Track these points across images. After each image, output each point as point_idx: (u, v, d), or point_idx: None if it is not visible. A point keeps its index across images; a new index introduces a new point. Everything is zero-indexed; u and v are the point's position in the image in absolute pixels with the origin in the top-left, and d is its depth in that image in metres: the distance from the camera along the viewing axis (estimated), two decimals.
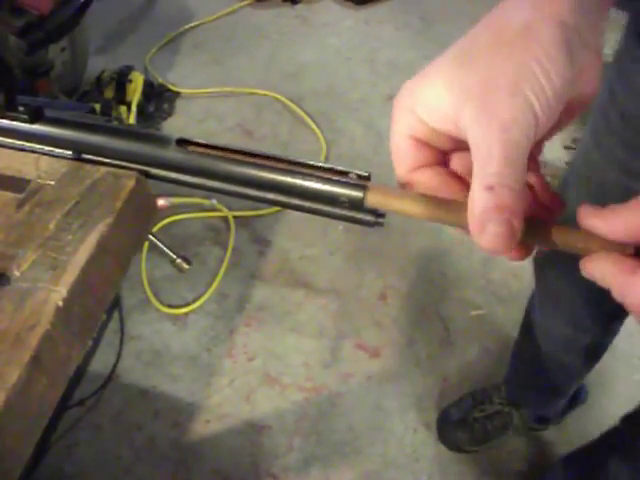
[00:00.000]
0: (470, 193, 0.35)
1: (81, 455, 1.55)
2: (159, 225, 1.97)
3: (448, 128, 0.39)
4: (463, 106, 0.37)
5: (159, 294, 1.84)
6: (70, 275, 0.40)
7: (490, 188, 0.34)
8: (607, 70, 0.84)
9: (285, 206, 0.44)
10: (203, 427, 1.61)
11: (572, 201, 0.99)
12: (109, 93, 2.32)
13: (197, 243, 1.97)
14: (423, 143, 0.41)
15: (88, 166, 0.47)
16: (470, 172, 0.40)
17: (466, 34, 0.40)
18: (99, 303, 0.43)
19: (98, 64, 2.45)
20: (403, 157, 0.42)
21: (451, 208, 0.39)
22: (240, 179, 0.44)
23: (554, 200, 0.40)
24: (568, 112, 0.39)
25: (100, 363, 1.68)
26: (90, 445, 1.57)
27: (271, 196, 0.44)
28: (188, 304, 1.82)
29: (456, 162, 0.43)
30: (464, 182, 0.42)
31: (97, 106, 2.18)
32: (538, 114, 0.35)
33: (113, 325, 1.75)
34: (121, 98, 2.31)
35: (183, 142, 0.45)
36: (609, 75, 0.84)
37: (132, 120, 2.23)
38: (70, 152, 0.48)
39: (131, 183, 0.45)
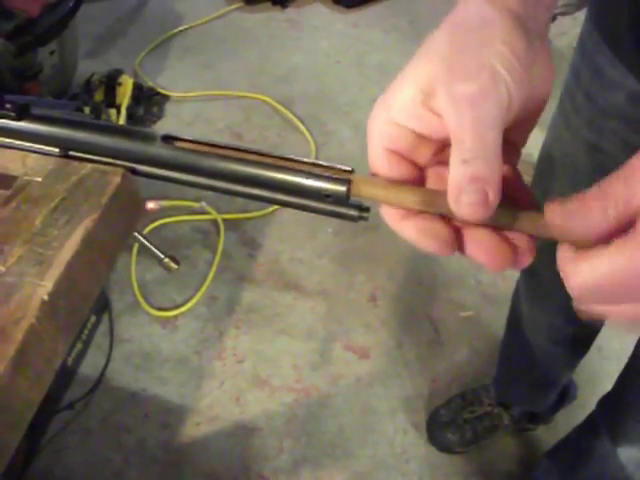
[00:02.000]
0: (449, 170, 0.36)
1: (70, 459, 1.55)
2: (149, 228, 1.96)
3: (429, 124, 0.39)
4: (437, 94, 0.37)
5: (149, 297, 1.84)
6: (56, 270, 0.40)
7: (464, 161, 0.35)
8: (573, 53, 0.87)
9: (270, 201, 0.45)
10: (193, 429, 1.60)
11: (548, 184, 1.01)
12: (99, 96, 2.32)
13: (186, 246, 1.97)
14: (401, 157, 0.41)
15: (75, 163, 0.47)
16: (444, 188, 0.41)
17: (425, 40, 0.41)
18: (85, 298, 0.43)
19: (87, 67, 2.45)
20: (381, 174, 0.42)
21: (435, 195, 0.40)
22: (225, 175, 0.44)
23: (528, 197, 0.40)
24: (530, 111, 0.40)
25: (90, 366, 1.68)
26: (80, 448, 1.57)
27: (255, 191, 0.44)
28: (178, 307, 1.82)
29: (432, 179, 0.43)
30: None
31: (86, 109, 2.18)
32: (509, 84, 0.36)
33: (103, 328, 1.75)
34: (110, 101, 2.31)
35: (168, 138, 0.45)
36: (574, 57, 0.87)
37: (122, 123, 2.23)
38: (57, 149, 0.48)
39: (117, 179, 0.46)
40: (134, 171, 0.47)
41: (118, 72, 2.37)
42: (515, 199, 0.40)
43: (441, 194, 0.39)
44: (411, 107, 0.39)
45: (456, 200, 0.35)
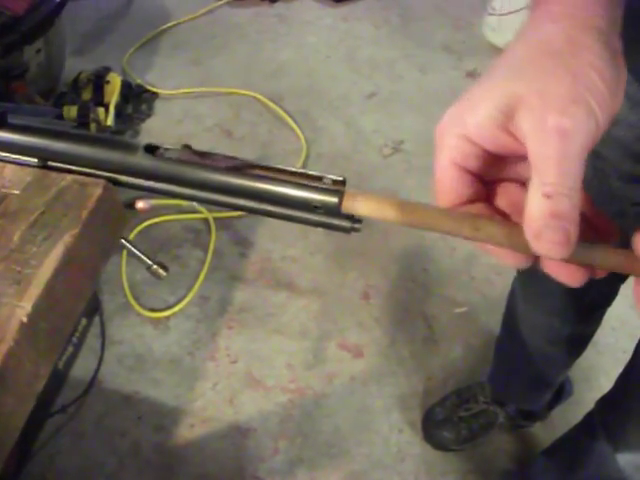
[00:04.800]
0: (527, 200, 0.35)
1: (64, 463, 1.53)
2: (139, 227, 1.95)
3: (504, 145, 0.38)
4: (521, 117, 0.36)
5: (140, 298, 1.82)
6: (35, 289, 0.39)
7: (548, 196, 0.34)
8: None
9: (258, 213, 0.43)
10: (187, 431, 1.59)
11: None
12: (86, 95, 2.29)
13: (177, 245, 1.95)
14: (470, 174, 0.41)
15: (54, 174, 0.45)
16: (515, 208, 0.40)
17: (504, 54, 0.40)
18: (66, 317, 0.41)
19: (75, 65, 2.43)
20: (448, 189, 0.41)
21: (428, 214, 0.39)
22: (210, 185, 0.43)
23: (606, 224, 0.40)
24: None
25: (82, 369, 1.66)
26: (73, 452, 1.55)
27: (242, 202, 0.42)
28: (169, 307, 1.80)
29: (501, 197, 0.42)
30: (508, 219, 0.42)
31: (74, 108, 2.16)
32: (599, 120, 0.35)
33: (94, 330, 1.73)
34: (99, 100, 2.28)
35: (151, 148, 0.44)
36: None
37: (110, 122, 2.20)
38: (35, 160, 0.46)
39: (98, 191, 0.44)
40: (116, 182, 0.45)
41: (106, 70, 2.35)
42: (593, 226, 0.40)
43: (435, 213, 0.38)
44: (488, 127, 0.38)
45: (536, 237, 0.35)
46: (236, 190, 0.42)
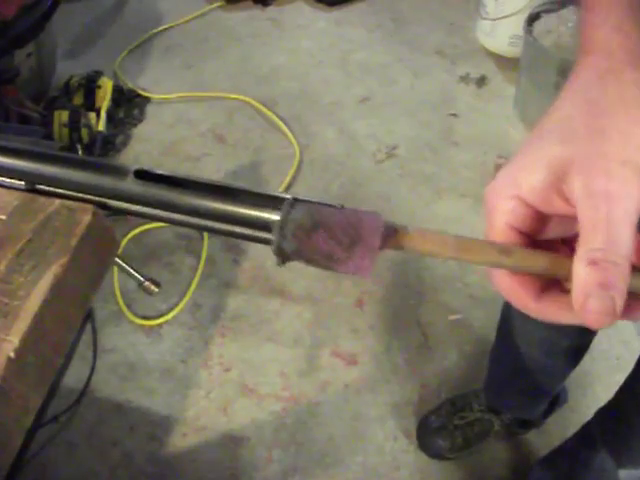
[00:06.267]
0: (574, 266, 0.35)
1: (56, 473, 1.52)
2: (130, 234, 1.93)
3: (556, 207, 0.38)
4: (572, 180, 0.36)
5: (132, 305, 1.81)
6: (23, 322, 0.37)
7: (594, 263, 0.33)
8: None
9: (254, 240, 0.42)
10: (180, 441, 1.58)
11: None
12: (78, 99, 2.28)
13: (170, 252, 1.94)
14: (524, 235, 0.40)
15: (42, 199, 0.44)
16: None
17: (550, 113, 0.40)
18: (56, 349, 0.40)
19: (66, 69, 2.41)
20: None
21: (427, 239, 0.38)
22: (205, 212, 0.41)
23: None
24: None
25: (73, 377, 1.64)
26: (65, 462, 1.54)
27: (238, 230, 0.41)
28: (162, 315, 1.78)
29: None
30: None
31: (65, 113, 2.14)
32: None
33: (86, 338, 1.71)
34: (90, 104, 2.27)
35: (142, 173, 0.42)
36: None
37: (101, 127, 2.19)
38: (23, 183, 0.45)
39: (87, 218, 0.42)
40: (105, 206, 0.44)
41: (97, 74, 2.33)
42: None
43: (435, 239, 0.38)
44: (541, 190, 0.38)
45: (582, 306, 0.34)
46: (230, 218, 0.41)
